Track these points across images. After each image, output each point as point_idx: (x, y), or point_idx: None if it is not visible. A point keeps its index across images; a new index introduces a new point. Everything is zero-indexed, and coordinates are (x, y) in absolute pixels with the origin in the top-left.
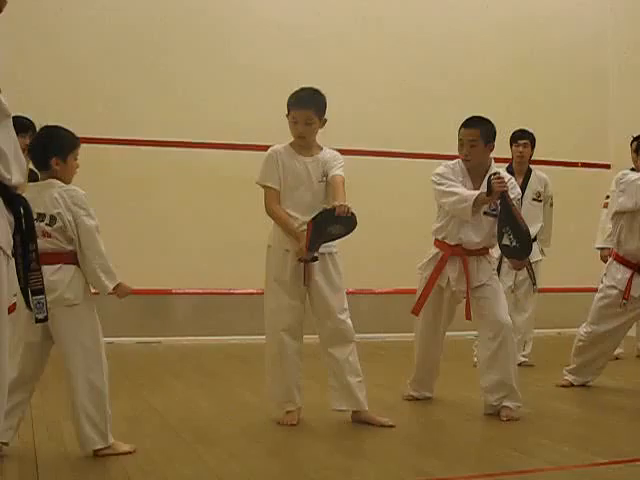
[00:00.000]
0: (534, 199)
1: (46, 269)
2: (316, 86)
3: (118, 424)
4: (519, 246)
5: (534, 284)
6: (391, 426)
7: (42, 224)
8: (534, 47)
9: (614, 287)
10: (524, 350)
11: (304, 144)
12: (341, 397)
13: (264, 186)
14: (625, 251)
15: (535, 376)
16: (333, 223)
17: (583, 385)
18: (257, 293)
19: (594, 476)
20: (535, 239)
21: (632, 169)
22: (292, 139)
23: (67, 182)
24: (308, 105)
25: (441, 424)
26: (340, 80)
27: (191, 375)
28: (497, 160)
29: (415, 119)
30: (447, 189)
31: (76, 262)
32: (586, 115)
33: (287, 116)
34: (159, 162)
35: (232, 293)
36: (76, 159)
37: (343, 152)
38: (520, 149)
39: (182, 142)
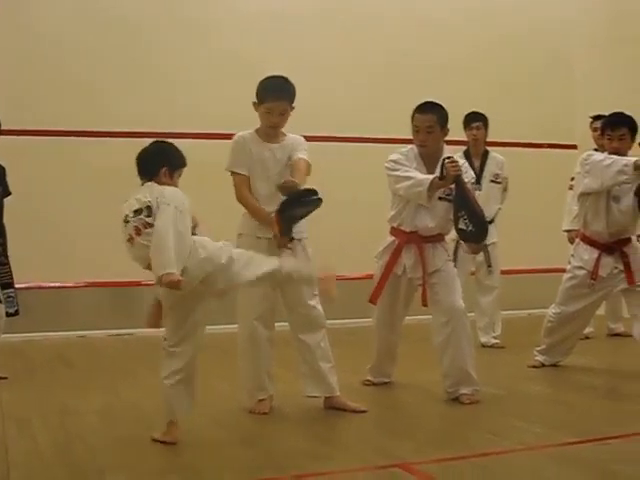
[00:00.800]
0: (492, 181)
1: None
2: (283, 72)
3: (91, 418)
4: (475, 230)
5: (489, 266)
6: (363, 411)
7: None
8: (501, 30)
9: (582, 268)
10: (494, 332)
11: (273, 133)
12: (313, 383)
13: (233, 172)
14: (592, 232)
15: (506, 357)
16: (296, 207)
17: (554, 365)
18: None
19: (566, 456)
20: (492, 221)
21: (595, 149)
22: (257, 126)
23: None
24: (284, 96)
25: (411, 408)
26: (308, 66)
27: None
28: (465, 143)
29: (384, 104)
30: (402, 174)
31: None
32: (552, 96)
33: (257, 105)
34: (131, 153)
35: None
36: (179, 177)
37: (311, 138)
38: (474, 132)
39: (153, 132)
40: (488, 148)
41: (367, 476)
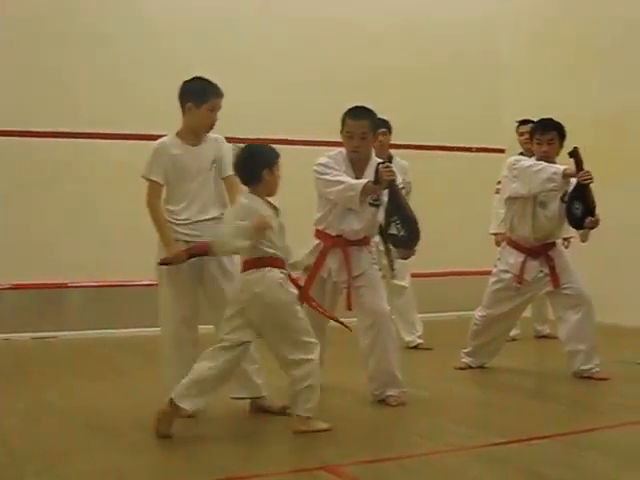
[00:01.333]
0: None
1: None
2: (214, 74)
3: (15, 423)
4: (407, 235)
5: (392, 269)
6: (286, 408)
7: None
8: (428, 33)
9: (507, 271)
10: (416, 330)
11: (195, 134)
12: (239, 385)
13: (148, 179)
14: (518, 236)
15: (433, 359)
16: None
17: (480, 367)
18: (153, 284)
19: (491, 456)
20: None
21: (521, 153)
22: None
23: (274, 193)
24: (221, 95)
25: (337, 410)
26: (237, 68)
27: (89, 369)
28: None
29: (314, 107)
30: (332, 178)
31: None
32: (480, 100)
33: (189, 105)
34: (47, 154)
35: (128, 285)
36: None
37: (243, 140)
38: (380, 138)
39: (71, 133)
40: (391, 152)
41: (291, 479)
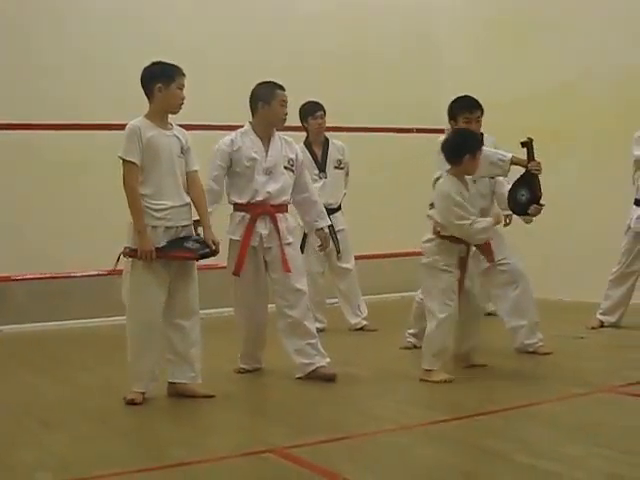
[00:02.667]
0: (336, 167)
1: None
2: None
3: None
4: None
5: (338, 252)
6: (211, 396)
7: None
8: (364, 16)
9: None
10: (360, 312)
11: (165, 117)
12: (180, 369)
13: (126, 161)
14: None
15: (379, 340)
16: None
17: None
18: (98, 275)
19: (439, 433)
20: (340, 208)
21: None
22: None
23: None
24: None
25: (284, 393)
26: (173, 53)
27: (34, 361)
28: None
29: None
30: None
31: None
32: (420, 81)
33: (158, 86)
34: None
35: (73, 276)
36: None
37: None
38: (319, 121)
39: (18, 124)
40: (327, 135)
41: (239, 462)
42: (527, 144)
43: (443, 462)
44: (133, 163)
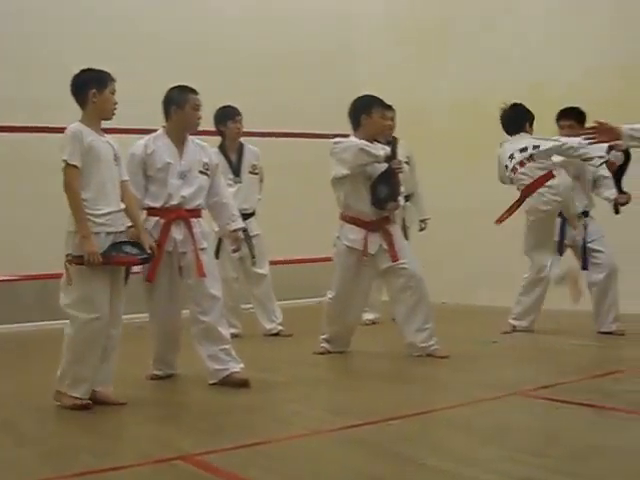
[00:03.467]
0: (250, 172)
1: None
2: (84, 65)
3: None
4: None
5: (253, 257)
6: (123, 403)
7: None
8: (284, 19)
9: (350, 248)
10: (276, 318)
11: (99, 123)
12: (97, 377)
13: (70, 165)
14: (357, 212)
15: (294, 345)
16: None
17: (339, 352)
18: (10, 280)
19: (351, 438)
20: (254, 213)
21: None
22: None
23: None
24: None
25: (197, 399)
26: (97, 54)
27: None
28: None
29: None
30: None
31: None
32: (338, 87)
33: (92, 92)
34: None
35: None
36: None
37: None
38: (238, 125)
39: None
40: (242, 140)
41: (148, 471)
42: (391, 143)
43: (353, 466)
44: (76, 167)
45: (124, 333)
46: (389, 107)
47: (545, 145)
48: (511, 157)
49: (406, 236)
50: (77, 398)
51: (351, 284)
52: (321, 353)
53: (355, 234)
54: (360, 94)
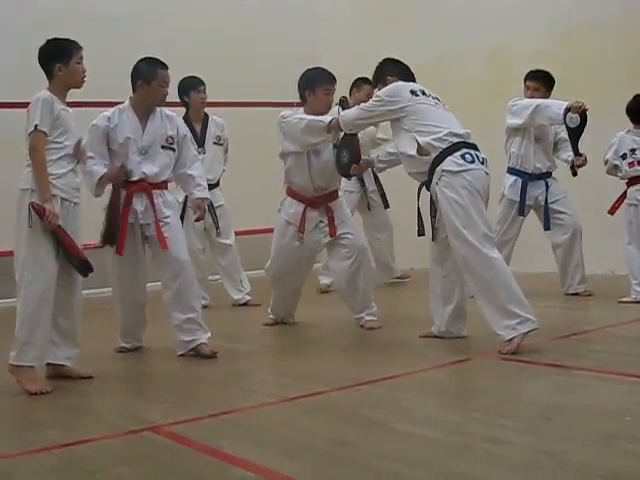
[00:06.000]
0: (215, 143)
1: None
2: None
3: None
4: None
5: (217, 228)
6: (90, 377)
7: None
8: None
9: (289, 222)
10: (243, 288)
11: (66, 93)
12: (63, 349)
13: (40, 130)
14: (297, 186)
15: (262, 314)
16: None
17: (284, 323)
18: None
19: (319, 404)
20: (218, 184)
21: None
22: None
23: None
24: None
25: (165, 370)
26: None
27: None
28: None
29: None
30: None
31: None
32: (301, 57)
33: (58, 65)
34: None
35: None
36: None
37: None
38: (202, 95)
39: None
40: (207, 111)
41: (118, 443)
42: (342, 102)
43: (322, 432)
44: (45, 133)
45: (89, 309)
46: (334, 80)
47: None
48: (633, 150)
49: (369, 206)
50: (25, 367)
51: (286, 257)
52: (267, 324)
53: (294, 208)
54: (320, 64)
